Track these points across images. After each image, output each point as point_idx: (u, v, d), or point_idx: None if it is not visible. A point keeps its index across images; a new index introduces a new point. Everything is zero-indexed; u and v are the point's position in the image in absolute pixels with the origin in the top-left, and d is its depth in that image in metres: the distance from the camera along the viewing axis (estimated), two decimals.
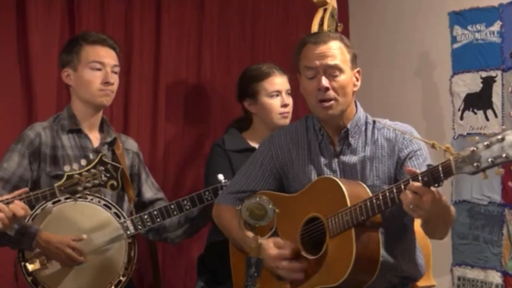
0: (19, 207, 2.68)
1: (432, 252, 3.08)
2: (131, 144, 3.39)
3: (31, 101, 3.70)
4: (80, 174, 2.70)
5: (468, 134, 3.90)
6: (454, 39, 3.97)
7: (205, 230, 3.61)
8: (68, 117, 3.20)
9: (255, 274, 2.39)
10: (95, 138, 3.23)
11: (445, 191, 2.49)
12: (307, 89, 2.75)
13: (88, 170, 2.70)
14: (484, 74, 3.84)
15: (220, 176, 3.27)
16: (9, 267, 3.12)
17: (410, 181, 2.43)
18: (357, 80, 2.78)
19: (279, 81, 3.52)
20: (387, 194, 2.51)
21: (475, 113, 3.87)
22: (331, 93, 2.70)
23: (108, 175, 2.72)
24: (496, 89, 3.78)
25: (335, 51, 2.72)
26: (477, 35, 3.87)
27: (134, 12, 3.98)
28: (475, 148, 2.28)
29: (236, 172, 3.11)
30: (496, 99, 3.78)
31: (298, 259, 2.71)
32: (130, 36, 3.96)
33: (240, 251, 2.85)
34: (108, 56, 3.21)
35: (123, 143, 3.32)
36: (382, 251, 2.61)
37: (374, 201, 2.54)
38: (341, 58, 2.71)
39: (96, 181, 2.71)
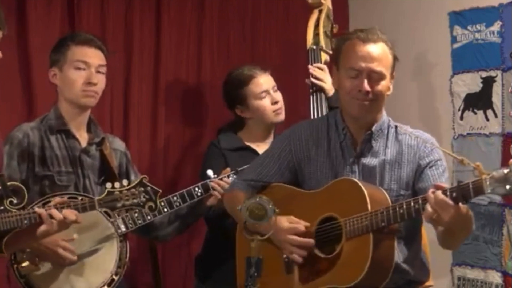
0: (71, 213, 2.68)
1: (432, 252, 3.07)
2: (119, 144, 3.37)
3: (31, 101, 3.70)
4: (120, 191, 2.71)
5: (468, 134, 3.90)
6: (454, 39, 3.97)
7: (203, 230, 3.61)
8: (56, 117, 3.18)
9: (255, 274, 2.39)
10: (83, 138, 3.22)
11: None
12: (345, 87, 2.71)
13: (128, 189, 2.72)
14: (484, 74, 3.83)
15: (209, 172, 3.27)
16: (1, 270, 3.12)
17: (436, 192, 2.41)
18: (391, 84, 2.76)
19: (263, 81, 3.50)
20: (412, 204, 2.50)
21: (475, 113, 3.87)
22: (371, 96, 2.68)
23: (147, 196, 2.73)
24: (496, 89, 3.78)
25: (382, 55, 2.69)
26: (477, 35, 3.87)
27: (134, 12, 3.99)
28: (509, 170, 2.29)
29: None
30: (496, 99, 3.78)
31: (310, 255, 2.70)
32: (130, 36, 3.96)
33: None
34: (93, 56, 3.17)
35: (111, 143, 3.31)
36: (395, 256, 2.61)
37: (398, 209, 2.53)
38: (385, 64, 2.69)
39: (135, 201, 2.73)
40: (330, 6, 3.55)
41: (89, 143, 3.21)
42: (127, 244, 3.11)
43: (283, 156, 2.85)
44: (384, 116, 2.79)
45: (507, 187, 2.29)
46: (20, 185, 2.65)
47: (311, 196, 2.77)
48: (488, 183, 2.32)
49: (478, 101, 3.86)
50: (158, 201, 2.75)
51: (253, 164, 2.96)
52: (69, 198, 2.97)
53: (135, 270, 3.67)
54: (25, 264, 2.95)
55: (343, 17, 4.20)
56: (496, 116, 3.78)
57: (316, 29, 3.46)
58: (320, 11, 3.50)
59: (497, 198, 3.74)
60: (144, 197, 2.73)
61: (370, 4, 4.42)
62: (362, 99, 2.67)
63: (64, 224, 2.67)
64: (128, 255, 3.10)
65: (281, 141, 2.90)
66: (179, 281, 4.02)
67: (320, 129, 2.83)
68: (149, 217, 3.15)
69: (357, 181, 2.65)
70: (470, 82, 3.89)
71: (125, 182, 2.73)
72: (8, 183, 2.61)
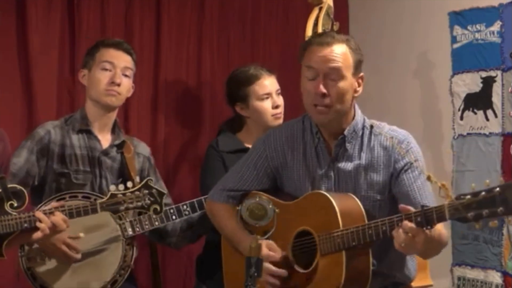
0: (59, 219, 2.70)
1: None
2: (143, 148, 3.43)
3: (31, 101, 3.71)
4: (124, 194, 2.72)
5: (468, 134, 3.89)
6: (454, 39, 3.97)
7: None
8: (81, 118, 3.27)
9: (255, 274, 2.39)
10: (105, 139, 3.29)
11: None
12: (305, 90, 2.70)
13: (133, 192, 2.72)
14: (484, 74, 3.84)
15: None
16: (10, 267, 3.13)
17: (403, 219, 2.39)
18: (359, 85, 2.70)
19: (268, 83, 3.49)
20: (380, 226, 2.48)
21: (475, 113, 3.87)
22: (327, 99, 2.64)
23: (152, 199, 2.73)
24: (496, 89, 3.78)
25: (338, 55, 2.64)
26: (477, 35, 3.87)
27: (134, 12, 3.99)
28: (471, 197, 2.24)
29: None
30: (496, 99, 3.78)
31: (287, 268, 2.68)
32: (130, 36, 3.96)
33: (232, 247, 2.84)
34: (119, 58, 3.26)
35: (135, 147, 3.36)
36: (373, 260, 2.59)
37: (366, 230, 2.51)
38: (343, 64, 2.64)
39: (139, 203, 2.72)
40: (331, 4, 3.53)
41: (110, 145, 3.28)
42: (134, 248, 3.16)
43: (260, 164, 2.84)
44: (357, 117, 2.74)
45: (469, 214, 2.23)
46: (21, 188, 2.66)
47: (287, 207, 2.73)
48: (449, 210, 2.28)
49: (478, 101, 3.86)
50: (163, 203, 2.75)
51: (232, 171, 2.93)
52: (82, 197, 3.05)
53: (135, 270, 3.67)
54: (31, 257, 3.00)
55: (343, 17, 4.20)
56: (496, 116, 3.78)
57: (315, 28, 3.44)
58: (320, 9, 3.48)
59: None
60: (149, 199, 2.73)
61: (370, 4, 4.43)
62: (320, 104, 2.65)
63: (55, 229, 2.68)
64: (133, 258, 3.14)
65: (257, 148, 2.87)
66: (179, 281, 4.02)
67: (296, 132, 2.81)
68: (156, 223, 3.19)
69: (329, 196, 2.61)
70: (470, 82, 3.89)
71: (129, 184, 2.74)
72: (9, 186, 2.62)
